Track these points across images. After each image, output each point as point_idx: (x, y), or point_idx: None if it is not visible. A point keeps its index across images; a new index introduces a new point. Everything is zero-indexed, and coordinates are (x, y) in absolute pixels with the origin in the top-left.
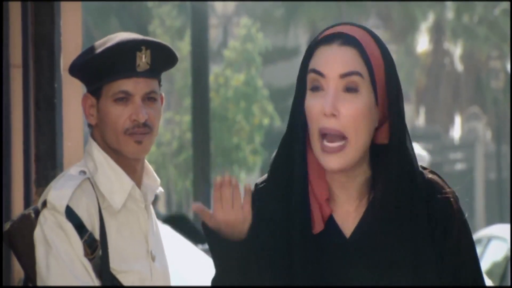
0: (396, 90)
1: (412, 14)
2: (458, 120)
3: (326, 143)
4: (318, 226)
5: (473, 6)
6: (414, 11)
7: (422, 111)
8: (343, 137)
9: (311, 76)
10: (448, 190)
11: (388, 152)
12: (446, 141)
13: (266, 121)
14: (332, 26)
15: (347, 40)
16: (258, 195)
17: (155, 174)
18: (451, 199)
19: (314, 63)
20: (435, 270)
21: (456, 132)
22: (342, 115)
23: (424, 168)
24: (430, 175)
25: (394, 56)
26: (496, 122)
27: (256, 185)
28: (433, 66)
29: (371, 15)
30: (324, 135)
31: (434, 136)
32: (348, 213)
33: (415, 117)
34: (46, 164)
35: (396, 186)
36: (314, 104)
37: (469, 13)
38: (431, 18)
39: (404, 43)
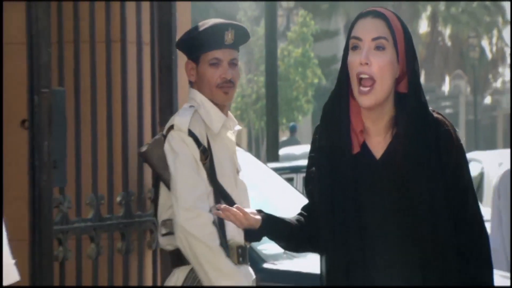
0: (412, 54)
1: (416, 7)
2: (447, 79)
3: (361, 88)
4: (356, 149)
5: (458, 1)
6: (418, 4)
7: (422, 73)
8: (373, 80)
9: (352, 41)
10: (449, 125)
11: (407, 98)
12: (439, 93)
13: (316, 81)
14: (367, 10)
15: (378, 15)
16: (316, 131)
17: (234, 117)
18: (451, 131)
19: (354, 32)
20: (440, 180)
21: (446, 87)
22: (372, 64)
23: (433, 110)
24: (436, 115)
25: None
26: (473, 80)
27: (317, 125)
28: (430, 42)
29: (388, 7)
30: (360, 79)
31: (431, 90)
32: (378, 142)
33: None
34: (166, 111)
35: (414, 122)
36: (354, 59)
37: (455, 6)
38: (429, 10)
39: (410, 26)
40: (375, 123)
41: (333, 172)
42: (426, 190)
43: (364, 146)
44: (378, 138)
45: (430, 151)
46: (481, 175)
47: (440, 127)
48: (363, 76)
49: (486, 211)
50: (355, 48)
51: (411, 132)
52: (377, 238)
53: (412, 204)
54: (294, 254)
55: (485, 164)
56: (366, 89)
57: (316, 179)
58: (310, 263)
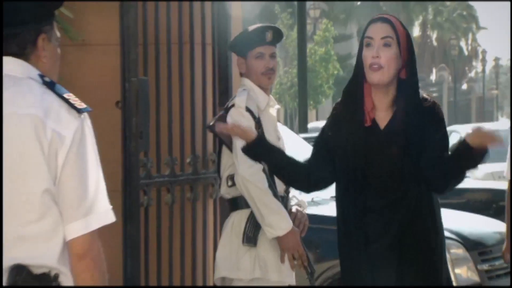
0: (411, 50)
1: (410, 16)
2: (434, 71)
3: (373, 66)
4: (369, 122)
5: (442, 12)
6: (411, 14)
7: None
8: (382, 67)
9: (366, 40)
10: (434, 101)
11: (406, 82)
12: (428, 81)
13: (335, 72)
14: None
15: (385, 20)
16: (336, 105)
17: (273, 98)
18: (436, 106)
19: (367, 33)
20: (426, 141)
21: (433, 77)
22: (381, 57)
23: (423, 93)
24: (425, 95)
25: None
26: (453, 71)
27: (337, 101)
28: (421, 43)
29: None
30: (370, 66)
31: (421, 79)
32: (383, 116)
33: None
34: (223, 95)
35: (409, 101)
36: (367, 53)
37: (440, 16)
38: (420, 18)
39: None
40: (381, 102)
41: (349, 138)
42: (419, 151)
43: (373, 120)
44: (383, 114)
45: (421, 122)
46: (459, 143)
47: (427, 103)
48: (374, 66)
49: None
50: (368, 45)
51: (407, 109)
52: (377, 185)
53: (405, 159)
54: (319, 201)
55: (462, 134)
56: (376, 66)
57: (334, 141)
58: (330, 209)
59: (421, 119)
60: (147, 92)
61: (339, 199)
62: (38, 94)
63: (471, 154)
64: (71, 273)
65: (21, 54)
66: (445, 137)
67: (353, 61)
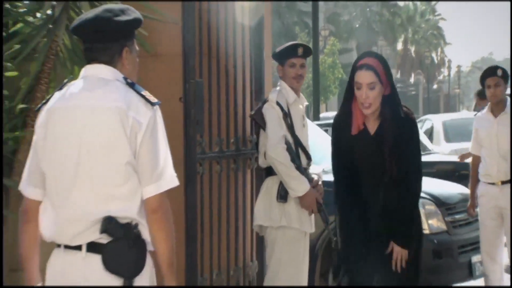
0: (390, 76)
1: (395, 34)
2: (413, 75)
3: (364, 106)
4: (356, 131)
5: (419, 31)
6: (396, 33)
7: (398, 72)
8: (371, 104)
9: (356, 84)
10: (411, 113)
11: (389, 97)
12: (408, 83)
13: (340, 76)
14: (363, 58)
15: (369, 68)
16: (335, 118)
17: (303, 96)
18: (412, 117)
19: (356, 78)
20: (404, 144)
21: (412, 80)
22: (369, 97)
23: (403, 106)
24: (405, 109)
25: (387, 53)
26: (427, 75)
27: (336, 115)
28: (403, 55)
29: (380, 36)
30: (362, 104)
31: (403, 81)
32: (372, 125)
33: (395, 75)
34: (259, 93)
35: (392, 114)
36: (359, 94)
37: (417, 34)
38: (402, 36)
39: (392, 46)
40: (371, 114)
41: (346, 145)
42: (398, 150)
43: (365, 127)
44: (372, 123)
45: (400, 129)
46: (432, 128)
47: (406, 115)
48: (365, 105)
49: (436, 147)
50: (358, 88)
51: (390, 120)
52: (368, 175)
53: (391, 159)
54: (328, 171)
55: (434, 121)
56: (367, 105)
57: (337, 148)
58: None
59: (402, 127)
60: (202, 90)
61: (340, 199)
62: (122, 92)
63: None
64: (146, 223)
65: (110, 62)
66: (418, 150)
67: None
